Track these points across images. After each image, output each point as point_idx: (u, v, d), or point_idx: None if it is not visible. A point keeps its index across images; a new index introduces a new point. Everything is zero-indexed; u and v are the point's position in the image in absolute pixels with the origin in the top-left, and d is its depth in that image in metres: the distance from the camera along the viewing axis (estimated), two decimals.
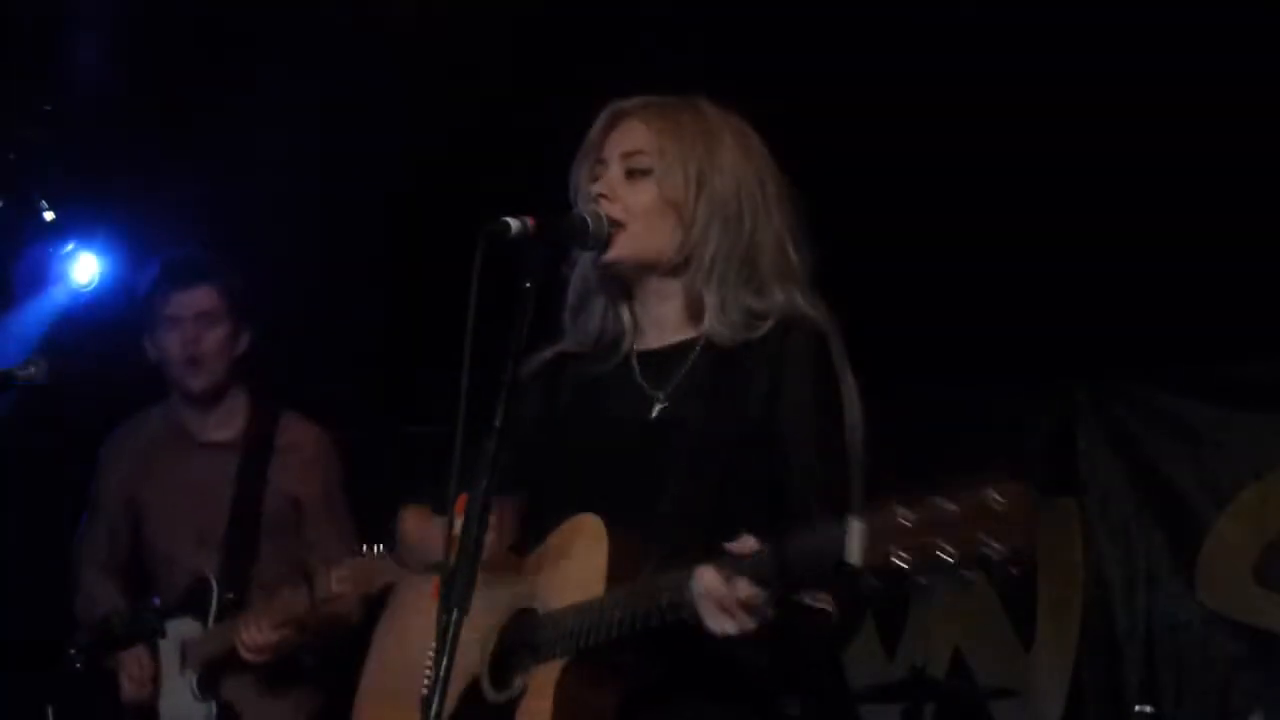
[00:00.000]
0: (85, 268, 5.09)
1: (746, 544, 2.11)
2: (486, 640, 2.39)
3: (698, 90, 2.56)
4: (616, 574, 2.27)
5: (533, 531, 2.44)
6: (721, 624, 2.10)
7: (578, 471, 2.46)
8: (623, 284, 2.54)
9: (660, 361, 2.51)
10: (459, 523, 2.16)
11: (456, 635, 2.04)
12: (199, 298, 4.01)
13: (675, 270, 2.49)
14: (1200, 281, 4.54)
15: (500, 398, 2.23)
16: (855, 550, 1.94)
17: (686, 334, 2.51)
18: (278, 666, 3.83)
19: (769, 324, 2.44)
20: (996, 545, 1.86)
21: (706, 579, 2.10)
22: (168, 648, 3.88)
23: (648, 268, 2.49)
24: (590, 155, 2.53)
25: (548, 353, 2.57)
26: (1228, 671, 4.82)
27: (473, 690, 2.37)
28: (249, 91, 4.69)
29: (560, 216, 2.46)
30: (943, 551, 1.88)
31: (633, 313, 2.55)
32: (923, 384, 5.03)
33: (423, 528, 2.61)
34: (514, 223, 2.29)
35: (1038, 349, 4.88)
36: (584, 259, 2.53)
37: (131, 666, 3.89)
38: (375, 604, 3.88)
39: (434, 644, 2.16)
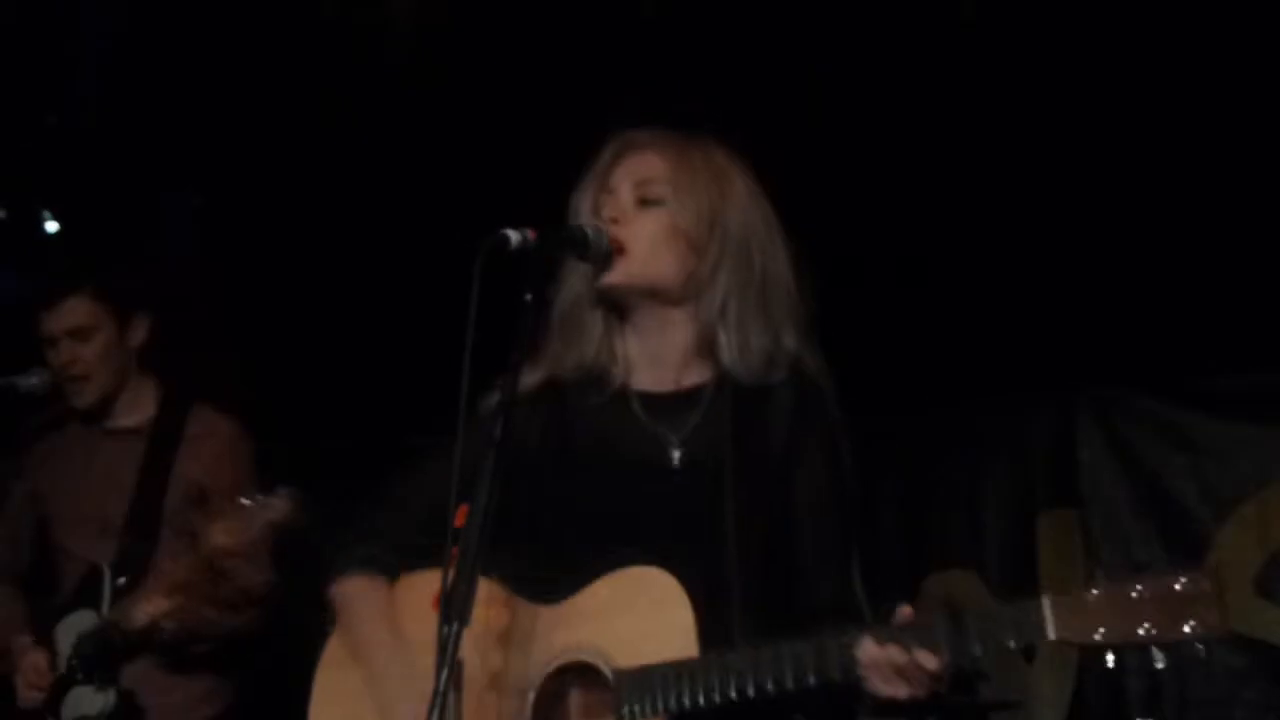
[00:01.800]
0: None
1: (907, 613, 2.19)
2: (522, 696, 2.32)
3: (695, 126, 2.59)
4: (710, 635, 2.25)
5: (542, 577, 2.39)
6: (895, 689, 2.18)
7: (603, 518, 2.42)
8: (619, 312, 2.53)
9: (667, 405, 2.49)
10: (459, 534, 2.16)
11: (456, 648, 2.03)
12: (68, 313, 3.89)
13: (679, 304, 2.49)
14: (1202, 291, 4.54)
15: (499, 412, 2.23)
16: (1050, 626, 2.07)
17: (697, 377, 2.49)
18: (180, 652, 3.74)
19: (784, 372, 2.44)
20: (1191, 625, 2.03)
21: (887, 650, 2.16)
22: (65, 643, 3.77)
23: (649, 295, 2.48)
24: (596, 182, 2.53)
25: (536, 377, 2.53)
26: (1230, 684, 4.80)
27: None
28: (250, 104, 4.70)
29: (561, 229, 2.47)
30: (1141, 632, 2.05)
31: (626, 344, 2.53)
32: (923, 396, 5.02)
33: (367, 602, 2.52)
34: (514, 235, 2.29)
35: (1038, 361, 4.88)
36: (574, 279, 2.52)
37: (27, 669, 3.77)
38: (289, 575, 3.85)
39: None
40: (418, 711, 2.19)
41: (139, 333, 3.99)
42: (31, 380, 3.98)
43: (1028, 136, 4.38)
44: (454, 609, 2.05)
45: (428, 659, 2.18)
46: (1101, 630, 2.06)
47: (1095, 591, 2.07)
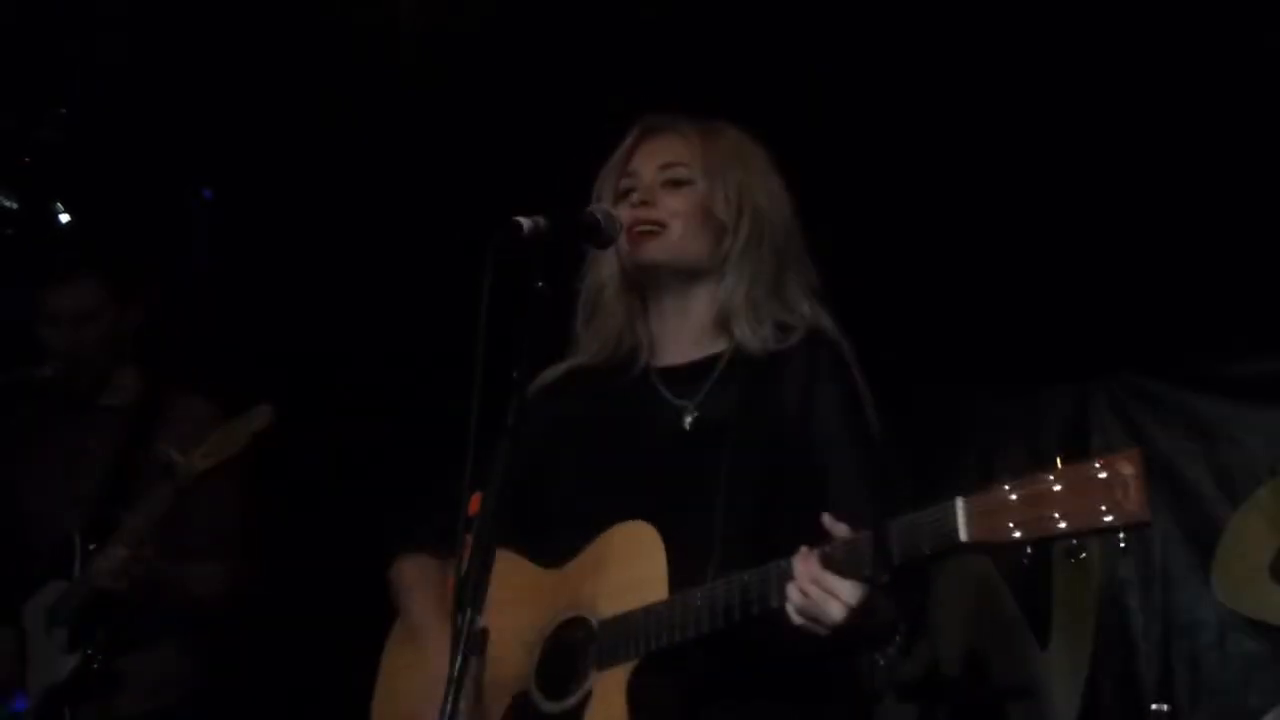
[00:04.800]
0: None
1: (839, 530, 2.14)
2: (530, 653, 2.39)
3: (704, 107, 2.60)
4: (679, 577, 2.28)
5: (557, 544, 2.44)
6: (829, 611, 2.12)
7: (611, 483, 2.47)
8: (641, 296, 2.56)
9: (684, 376, 2.53)
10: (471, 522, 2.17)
11: (470, 636, 2.04)
12: (75, 296, 3.91)
13: (703, 281, 2.52)
14: (1215, 276, 4.53)
15: (512, 398, 2.23)
16: (963, 527, 1.99)
17: (711, 348, 2.54)
18: (148, 619, 3.76)
19: (797, 336, 2.47)
20: (1109, 512, 1.91)
21: (808, 567, 2.12)
22: (33, 619, 3.79)
23: (680, 274, 2.52)
24: (618, 166, 2.56)
25: (561, 367, 2.58)
26: (1245, 670, 4.80)
27: (521, 704, 2.37)
28: (258, 97, 4.71)
29: (572, 215, 2.47)
30: (1056, 523, 1.93)
31: (649, 326, 2.56)
32: (936, 382, 5.02)
33: (422, 583, 2.59)
34: (526, 222, 2.29)
35: (1051, 346, 4.87)
36: (597, 267, 2.54)
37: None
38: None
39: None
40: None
41: (135, 318, 4.02)
42: (45, 372, 4.00)
43: (1043, 127, 4.37)
44: (468, 596, 2.06)
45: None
46: (1015, 527, 1.96)
47: (1009, 487, 1.98)
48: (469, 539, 2.13)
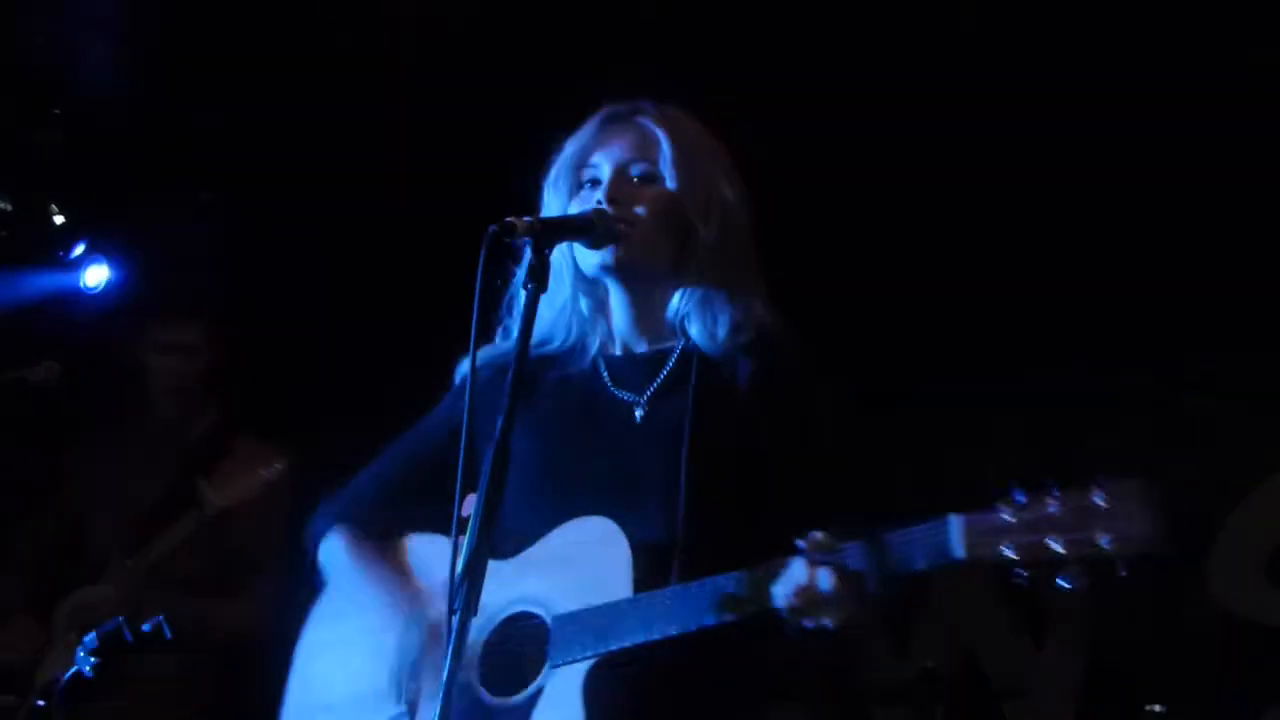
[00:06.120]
0: (95, 273, 5.08)
1: (817, 539, 2.13)
2: (475, 641, 2.35)
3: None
4: (644, 576, 2.26)
5: (500, 534, 2.37)
6: (822, 616, 2.12)
7: (560, 477, 2.44)
8: (599, 289, 2.53)
9: (635, 370, 2.51)
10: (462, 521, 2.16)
11: (464, 637, 2.03)
12: (185, 330, 4.17)
13: (665, 279, 2.50)
14: (1212, 276, 4.52)
15: (508, 397, 2.22)
16: (958, 544, 1.99)
17: (663, 343, 2.51)
18: (183, 651, 3.89)
19: (749, 337, 2.45)
20: (1107, 537, 1.90)
21: (804, 573, 2.11)
22: (61, 617, 3.97)
23: (649, 271, 2.49)
24: (581, 155, 2.53)
25: (501, 350, 2.51)
26: (1243, 670, 4.80)
27: (462, 695, 2.32)
28: (256, 98, 4.71)
29: (566, 215, 2.46)
30: (1052, 546, 1.93)
31: (600, 317, 2.53)
32: (929, 382, 5.01)
33: (348, 550, 2.59)
34: (520, 222, 2.28)
35: (1044, 343, 4.87)
36: (556, 258, 2.50)
37: (19, 639, 3.97)
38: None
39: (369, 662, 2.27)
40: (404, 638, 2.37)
41: (219, 355, 4.24)
42: (40, 374, 4.06)
43: (1040, 130, 4.37)
44: (462, 598, 2.05)
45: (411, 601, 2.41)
46: (1011, 547, 1.96)
47: (1007, 508, 1.98)
48: (461, 540, 2.12)
